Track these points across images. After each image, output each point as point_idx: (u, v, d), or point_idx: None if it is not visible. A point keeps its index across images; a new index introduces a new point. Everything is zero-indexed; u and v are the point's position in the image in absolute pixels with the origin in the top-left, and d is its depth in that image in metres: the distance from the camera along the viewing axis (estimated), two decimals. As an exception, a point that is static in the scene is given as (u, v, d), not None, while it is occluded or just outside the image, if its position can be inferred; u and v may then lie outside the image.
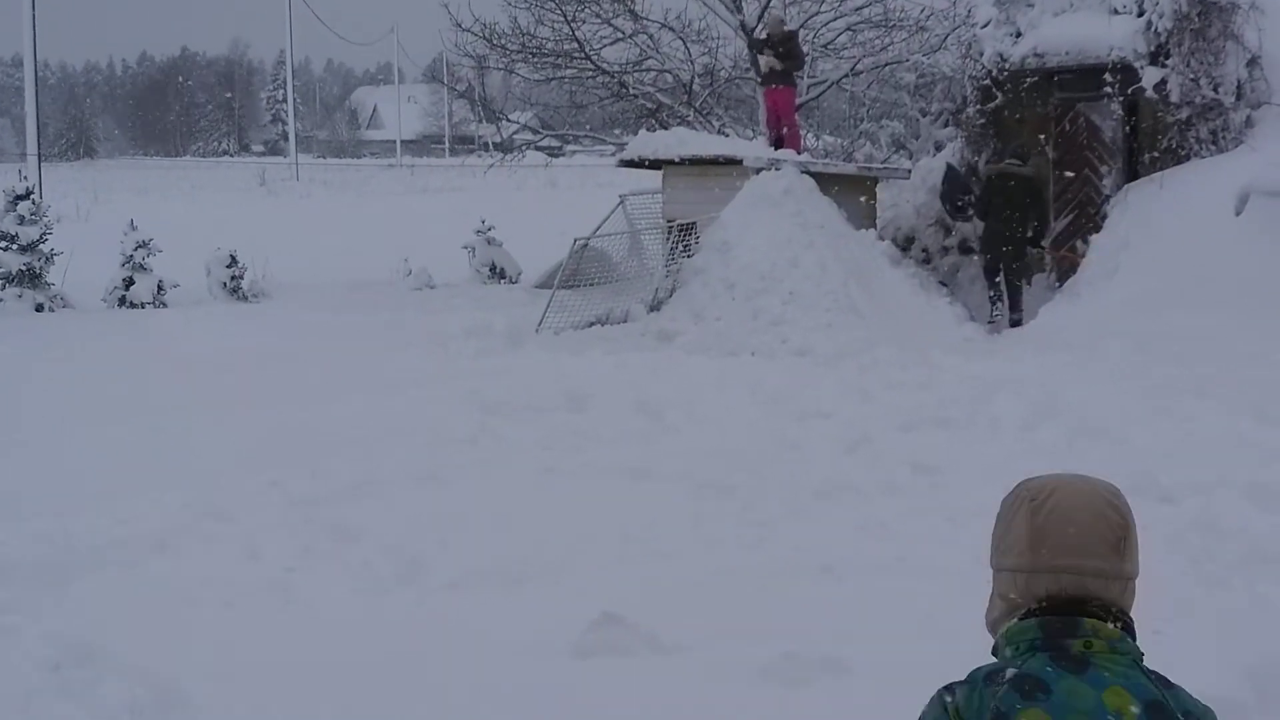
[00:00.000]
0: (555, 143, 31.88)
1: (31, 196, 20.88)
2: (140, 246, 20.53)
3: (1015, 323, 17.10)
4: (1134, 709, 2.53)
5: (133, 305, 20.26)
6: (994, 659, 2.73)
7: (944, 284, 18.20)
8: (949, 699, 2.69)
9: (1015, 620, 2.72)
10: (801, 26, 23.78)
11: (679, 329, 16.37)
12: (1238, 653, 5.72)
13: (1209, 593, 6.86)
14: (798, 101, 21.90)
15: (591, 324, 17.23)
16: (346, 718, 5.07)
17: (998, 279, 17.51)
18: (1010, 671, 2.60)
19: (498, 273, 24.03)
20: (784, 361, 14.35)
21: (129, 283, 20.43)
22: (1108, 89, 17.51)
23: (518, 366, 14.21)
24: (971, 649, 5.48)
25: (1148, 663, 2.74)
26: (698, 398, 12.06)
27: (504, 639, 6.08)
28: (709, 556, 7.57)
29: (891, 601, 6.52)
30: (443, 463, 9.64)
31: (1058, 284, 17.52)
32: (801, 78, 22.75)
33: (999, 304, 17.49)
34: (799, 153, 19.42)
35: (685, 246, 17.77)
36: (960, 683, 2.69)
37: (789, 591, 6.24)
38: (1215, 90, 16.87)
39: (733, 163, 18.15)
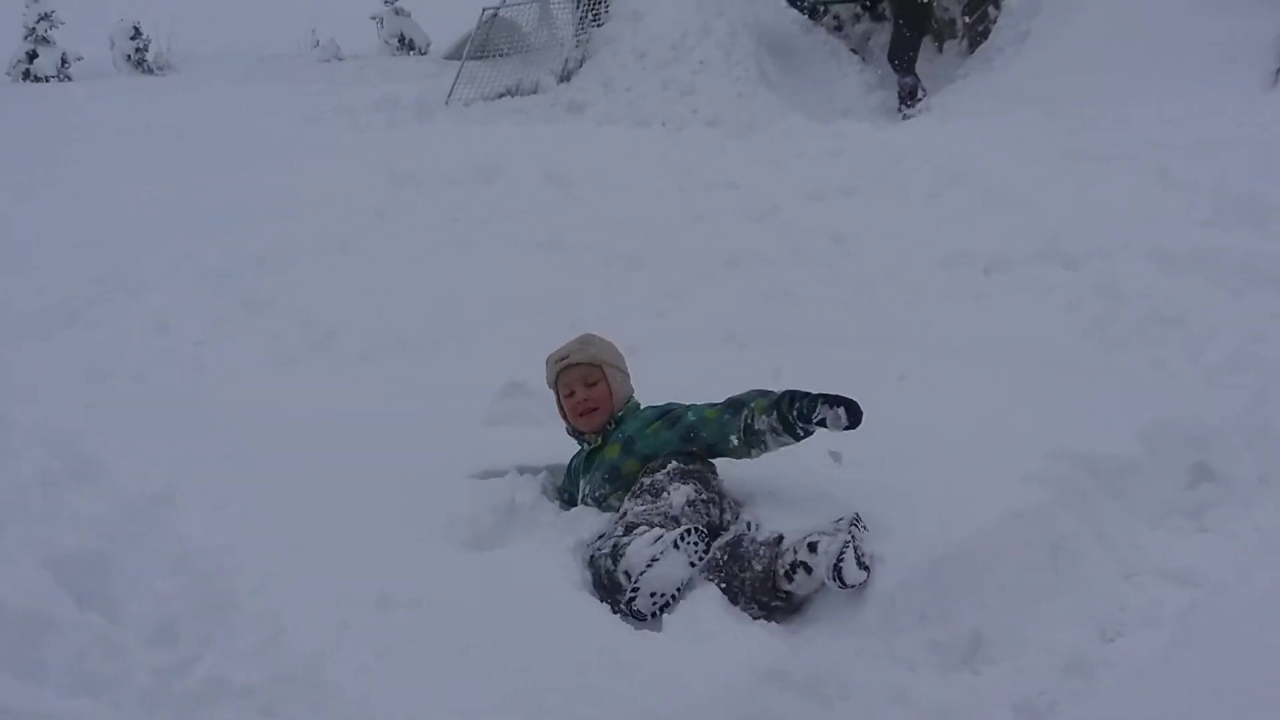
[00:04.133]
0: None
1: (-75, -33, 20.30)
2: (43, 19, 20.05)
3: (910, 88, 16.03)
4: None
5: (37, 79, 19.84)
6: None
7: (855, 51, 18.08)
8: None
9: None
10: None
11: (589, 99, 16.27)
12: (1134, 413, 5.87)
13: (1109, 356, 7.02)
14: None
15: (501, 95, 17.08)
16: (260, 482, 5.14)
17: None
18: None
19: (406, 43, 23.63)
20: (695, 131, 14.32)
21: (32, 56, 19.98)
22: None
23: (427, 138, 14.09)
24: (868, 409, 5.61)
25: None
26: (608, 169, 12.04)
27: (415, 407, 6.16)
28: (616, 326, 7.64)
29: (793, 367, 6.63)
30: (353, 234, 9.62)
31: (970, 51, 17.47)
32: None
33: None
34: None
35: (595, 15, 17.57)
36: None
37: (694, 360, 6.34)
38: None
39: (644, -71, 17.86)
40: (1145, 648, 4.38)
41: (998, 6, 16.96)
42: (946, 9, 18.47)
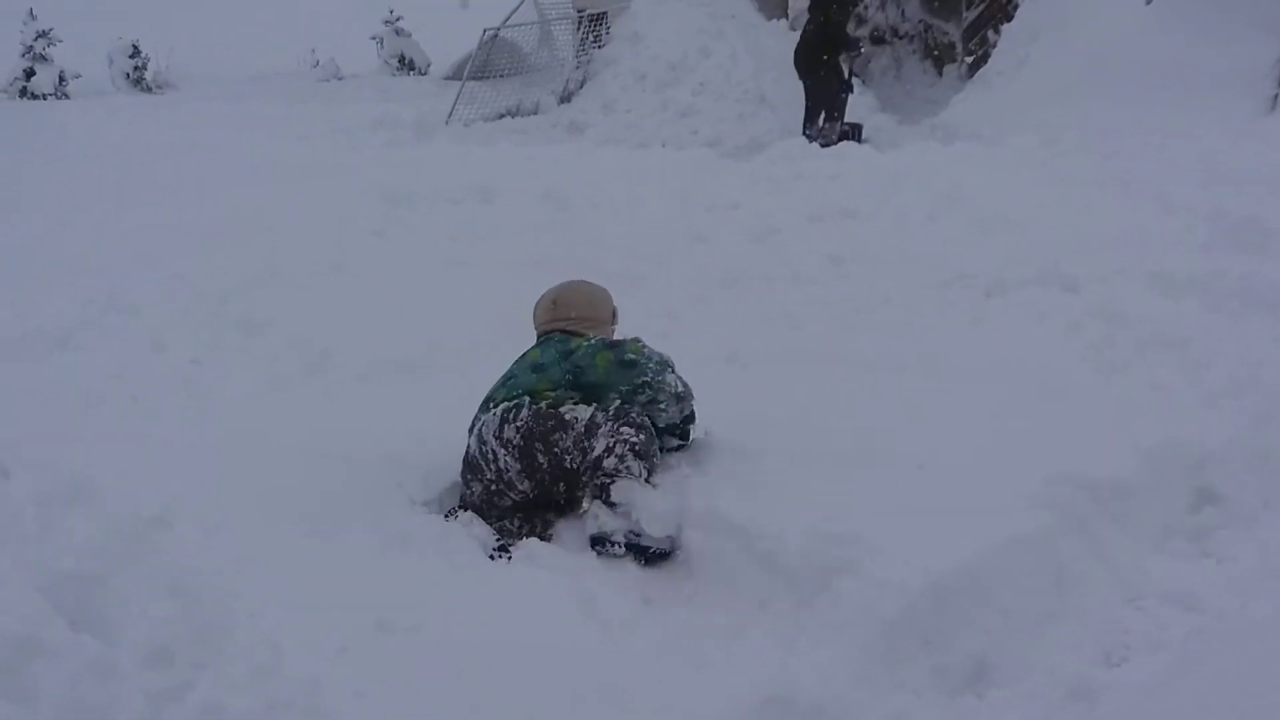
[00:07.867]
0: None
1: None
2: (40, 36, 20.08)
3: (842, 134, 15.59)
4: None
5: (34, 96, 19.85)
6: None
7: (855, 74, 18.12)
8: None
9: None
10: None
11: (589, 120, 16.31)
12: (1135, 436, 5.85)
13: (1109, 379, 6.97)
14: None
15: (501, 115, 17.12)
16: (257, 505, 5.10)
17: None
18: None
19: (406, 64, 23.68)
20: (694, 152, 14.33)
21: (29, 74, 20.00)
22: None
23: (426, 158, 14.11)
24: (869, 432, 5.60)
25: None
26: (606, 189, 12.03)
27: (413, 428, 6.12)
28: (616, 346, 7.61)
29: (794, 388, 6.62)
30: (350, 254, 9.58)
31: (969, 74, 17.50)
32: None
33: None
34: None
35: (596, 37, 17.62)
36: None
37: (694, 380, 6.30)
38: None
39: (644, -49, 17.93)
40: (1149, 672, 4.35)
41: (997, 31, 17.02)
42: (946, 32, 18.55)
